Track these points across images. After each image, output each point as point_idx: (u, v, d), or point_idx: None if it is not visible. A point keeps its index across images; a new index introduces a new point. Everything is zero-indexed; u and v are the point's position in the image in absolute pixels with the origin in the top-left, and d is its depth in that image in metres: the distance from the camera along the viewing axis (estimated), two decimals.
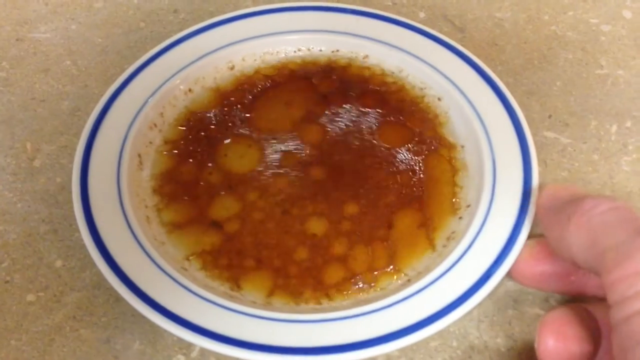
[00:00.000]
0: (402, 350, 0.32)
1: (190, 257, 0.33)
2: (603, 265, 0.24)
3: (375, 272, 0.33)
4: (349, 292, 0.32)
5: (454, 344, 0.32)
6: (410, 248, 0.34)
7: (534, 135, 0.36)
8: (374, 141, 0.38)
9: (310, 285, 0.32)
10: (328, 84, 0.41)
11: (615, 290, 0.23)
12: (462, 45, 0.41)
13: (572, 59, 0.44)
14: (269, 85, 0.41)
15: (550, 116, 0.41)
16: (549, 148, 0.39)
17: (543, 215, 0.30)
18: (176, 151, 0.38)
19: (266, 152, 0.37)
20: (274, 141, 0.38)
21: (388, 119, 0.39)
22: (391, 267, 0.33)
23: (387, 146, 0.38)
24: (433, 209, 0.35)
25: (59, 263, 0.35)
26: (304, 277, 0.33)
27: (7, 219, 0.36)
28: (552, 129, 0.40)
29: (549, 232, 0.28)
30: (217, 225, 0.34)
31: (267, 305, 0.31)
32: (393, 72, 0.41)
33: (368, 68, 0.42)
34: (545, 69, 0.43)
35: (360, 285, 0.32)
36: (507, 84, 0.38)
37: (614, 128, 0.40)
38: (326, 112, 0.39)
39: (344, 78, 0.41)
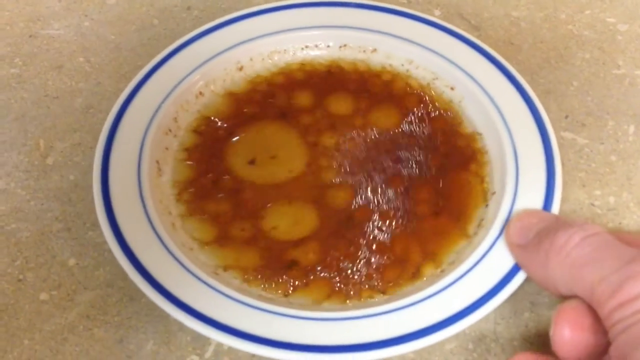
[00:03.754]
0: (418, 353, 0.31)
1: (229, 270, 0.33)
2: (595, 300, 0.25)
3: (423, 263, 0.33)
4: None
5: (470, 346, 0.31)
6: (445, 242, 0.34)
7: None
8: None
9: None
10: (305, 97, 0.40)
11: (612, 318, 0.24)
12: None
13: (589, 59, 0.43)
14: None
15: (567, 116, 0.40)
16: (566, 149, 0.39)
17: (518, 254, 0.30)
18: (195, 163, 0.37)
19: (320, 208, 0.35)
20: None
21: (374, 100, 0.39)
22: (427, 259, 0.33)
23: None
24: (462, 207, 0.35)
25: (72, 261, 0.35)
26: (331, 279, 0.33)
27: (20, 217, 0.36)
28: (569, 129, 0.40)
29: (529, 271, 0.29)
30: (291, 262, 0.33)
31: (286, 304, 0.31)
32: (402, 64, 0.41)
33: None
34: (562, 69, 0.43)
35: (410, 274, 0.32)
36: None
37: (632, 129, 0.40)
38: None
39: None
